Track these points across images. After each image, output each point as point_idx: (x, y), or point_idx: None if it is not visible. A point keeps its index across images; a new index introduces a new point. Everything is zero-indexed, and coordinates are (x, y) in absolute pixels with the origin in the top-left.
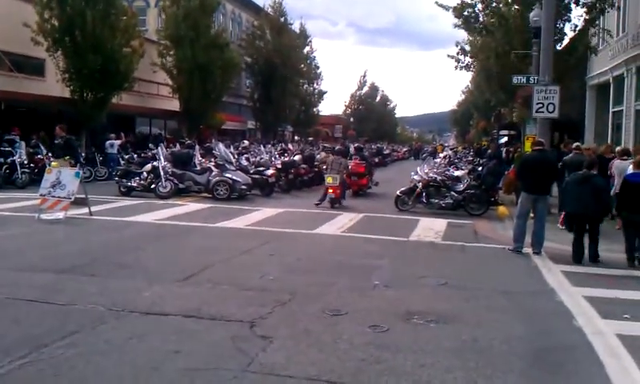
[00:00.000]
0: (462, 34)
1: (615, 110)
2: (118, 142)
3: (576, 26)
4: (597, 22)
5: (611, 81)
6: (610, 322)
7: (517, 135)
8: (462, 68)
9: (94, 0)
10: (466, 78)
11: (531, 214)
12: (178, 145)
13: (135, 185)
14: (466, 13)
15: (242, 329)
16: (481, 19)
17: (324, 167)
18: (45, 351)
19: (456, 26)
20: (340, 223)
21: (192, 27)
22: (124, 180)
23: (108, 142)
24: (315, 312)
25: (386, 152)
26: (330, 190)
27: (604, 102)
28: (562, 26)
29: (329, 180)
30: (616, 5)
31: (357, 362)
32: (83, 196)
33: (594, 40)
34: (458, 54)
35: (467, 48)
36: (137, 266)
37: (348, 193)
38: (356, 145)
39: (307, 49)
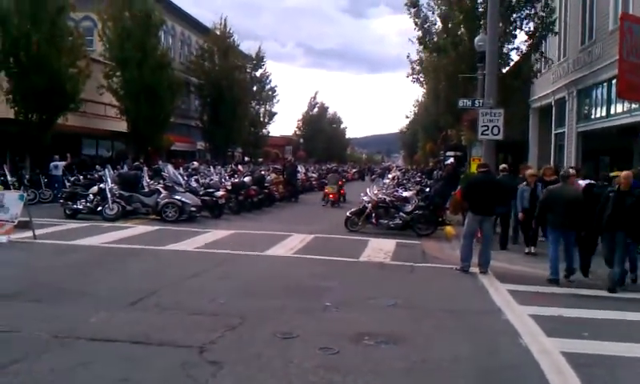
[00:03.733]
0: (410, 55)
1: (557, 132)
2: (63, 163)
3: (521, 50)
4: (540, 48)
5: (553, 104)
6: (555, 340)
7: (463, 156)
8: (414, 80)
9: (39, 21)
10: (413, 100)
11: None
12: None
13: (81, 207)
14: (426, 26)
15: (191, 354)
16: (436, 39)
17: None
18: None
19: (410, 39)
20: (291, 245)
21: (137, 48)
22: (69, 202)
23: (52, 164)
24: (266, 336)
25: None
26: (331, 196)
27: (547, 124)
28: (507, 51)
29: (329, 189)
30: (556, 30)
31: None
32: (27, 219)
33: (537, 64)
34: (414, 62)
35: (423, 61)
36: (83, 290)
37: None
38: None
39: (261, 71)
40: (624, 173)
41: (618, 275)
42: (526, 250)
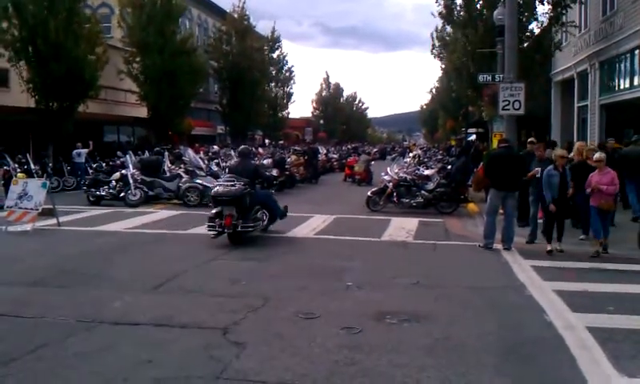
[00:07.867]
0: (429, 32)
1: (580, 105)
2: (86, 150)
3: (542, 22)
4: (562, 18)
5: (575, 76)
6: (581, 315)
7: (485, 133)
8: (436, 56)
9: (56, 8)
10: (433, 78)
11: (500, 211)
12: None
13: (104, 194)
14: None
15: (214, 336)
16: (459, 13)
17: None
18: (13, 365)
19: (433, 15)
20: (312, 225)
21: (158, 33)
22: (92, 189)
23: (75, 151)
24: (288, 316)
25: None
26: (358, 176)
27: (569, 97)
28: (527, 24)
29: (357, 168)
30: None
31: (330, 364)
32: (51, 206)
33: (558, 36)
34: (436, 38)
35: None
36: (106, 275)
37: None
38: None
39: (277, 52)
40: None
41: None
42: (549, 248)
